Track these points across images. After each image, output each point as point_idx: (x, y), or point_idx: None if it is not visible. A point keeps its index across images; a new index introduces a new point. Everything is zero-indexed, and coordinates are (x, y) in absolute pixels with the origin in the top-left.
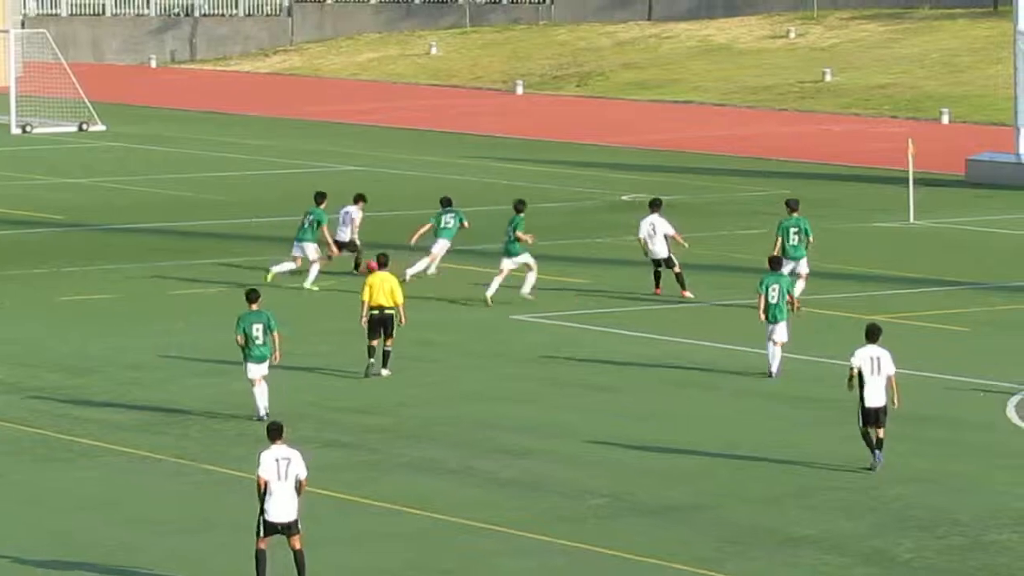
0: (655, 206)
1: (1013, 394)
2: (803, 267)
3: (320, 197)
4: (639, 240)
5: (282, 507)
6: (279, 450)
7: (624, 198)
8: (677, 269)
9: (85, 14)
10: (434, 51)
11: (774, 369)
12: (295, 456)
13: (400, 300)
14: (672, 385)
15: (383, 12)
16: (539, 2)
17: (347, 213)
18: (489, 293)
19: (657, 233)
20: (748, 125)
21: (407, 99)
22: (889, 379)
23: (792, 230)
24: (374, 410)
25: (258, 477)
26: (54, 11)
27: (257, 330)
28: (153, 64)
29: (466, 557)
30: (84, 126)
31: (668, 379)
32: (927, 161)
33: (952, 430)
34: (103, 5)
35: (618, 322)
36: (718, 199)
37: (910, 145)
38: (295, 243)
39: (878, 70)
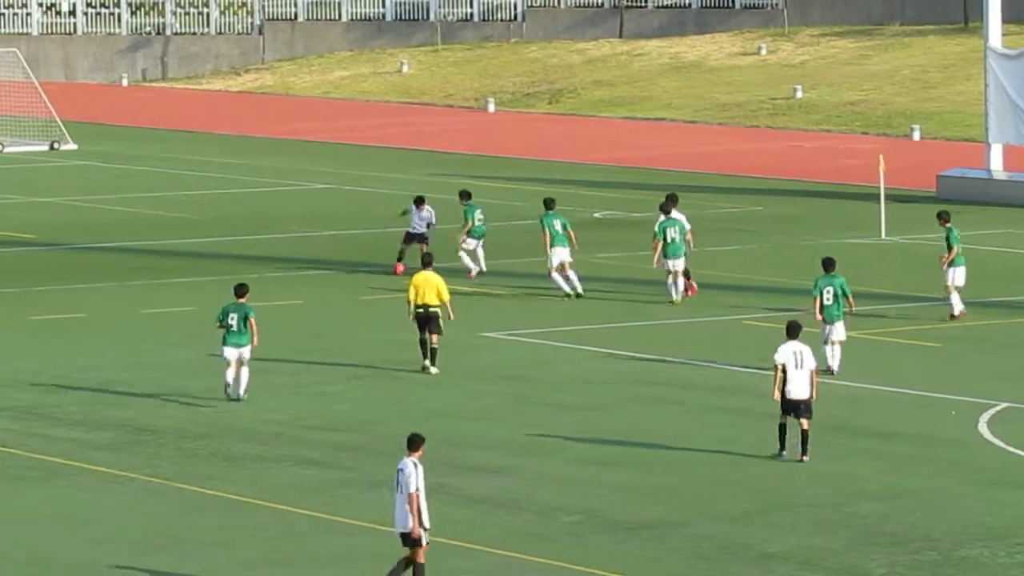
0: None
1: (985, 410)
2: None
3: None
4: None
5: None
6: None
7: (596, 215)
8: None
9: (56, 33)
10: (405, 69)
11: (835, 367)
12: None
13: (446, 297)
14: (644, 402)
15: (354, 30)
16: (510, 20)
17: (416, 212)
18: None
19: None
20: (719, 142)
21: (378, 117)
22: (811, 373)
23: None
24: (345, 428)
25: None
26: (25, 30)
27: (232, 319)
28: (124, 83)
29: (440, 575)
30: (55, 145)
31: (640, 396)
32: (898, 177)
33: (924, 446)
34: (74, 24)
35: (589, 339)
36: (689, 216)
37: (881, 161)
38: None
39: (849, 87)
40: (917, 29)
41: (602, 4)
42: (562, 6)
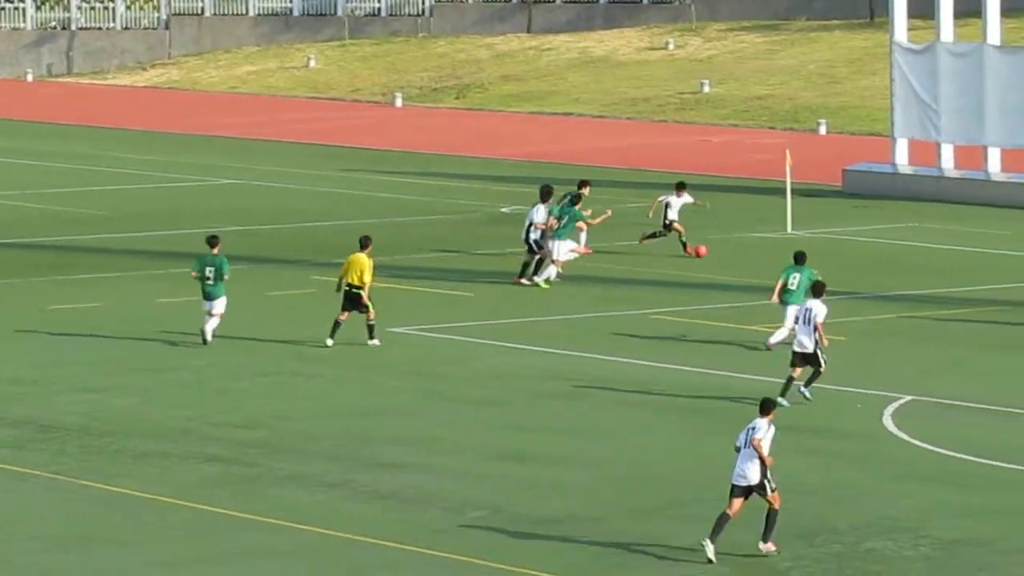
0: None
1: (890, 403)
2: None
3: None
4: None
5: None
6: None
7: (504, 210)
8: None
9: None
10: (313, 64)
11: (772, 342)
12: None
13: (367, 280)
14: (551, 397)
15: (261, 25)
16: (418, 15)
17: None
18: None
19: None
20: (627, 136)
21: (286, 112)
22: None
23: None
24: (252, 424)
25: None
26: None
27: (210, 272)
28: (30, 78)
29: (347, 572)
30: None
31: (548, 391)
32: (805, 172)
33: (830, 439)
34: None
35: (499, 334)
36: (598, 210)
37: (788, 156)
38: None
39: (756, 81)
40: (824, 24)
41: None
42: (470, 1)
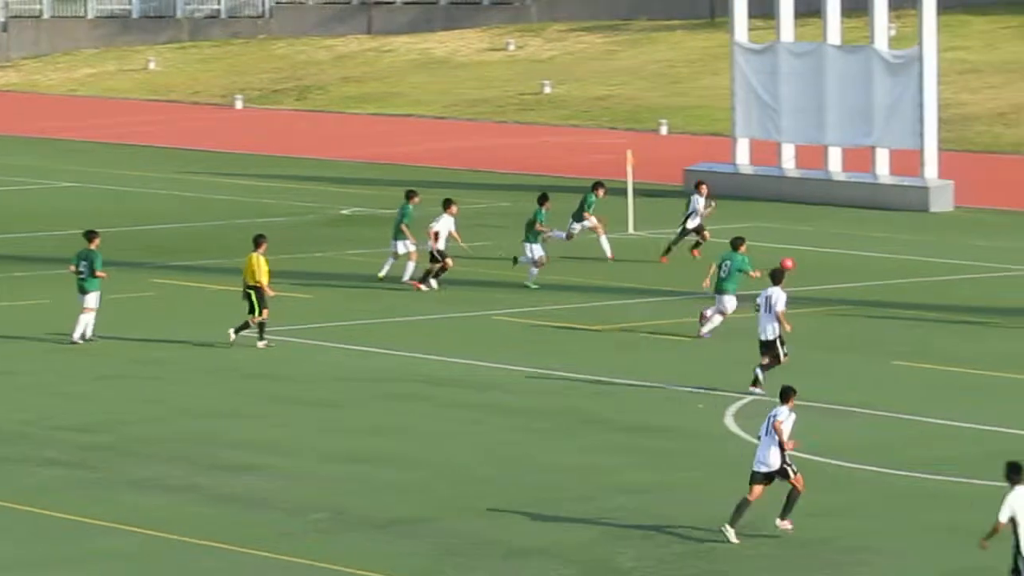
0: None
1: (732, 403)
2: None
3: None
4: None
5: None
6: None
7: (345, 212)
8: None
9: None
10: (152, 66)
11: (705, 332)
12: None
13: (260, 279)
14: (393, 399)
15: (100, 27)
16: (258, 16)
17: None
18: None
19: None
20: (468, 137)
21: (126, 115)
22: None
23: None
24: (94, 428)
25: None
26: None
27: (83, 266)
28: None
29: (187, 575)
30: None
31: (389, 393)
32: (646, 172)
33: (673, 439)
34: None
35: (340, 336)
36: (437, 213)
37: (629, 156)
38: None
39: (597, 82)
40: (664, 24)
41: (350, 1)
42: (310, 2)
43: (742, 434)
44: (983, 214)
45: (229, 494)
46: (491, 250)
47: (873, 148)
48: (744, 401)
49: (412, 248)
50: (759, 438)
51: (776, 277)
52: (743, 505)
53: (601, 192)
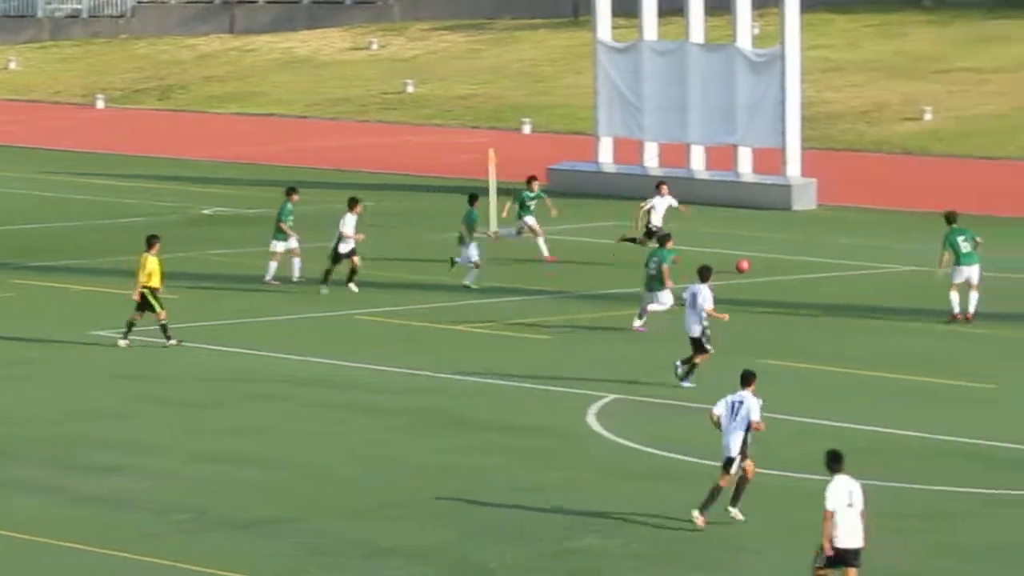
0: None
1: (594, 402)
2: (975, 275)
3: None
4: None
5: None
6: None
7: (206, 212)
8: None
9: None
10: (13, 66)
11: (637, 325)
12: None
13: (147, 282)
14: (257, 399)
15: None
16: (119, 16)
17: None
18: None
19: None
20: (331, 137)
21: None
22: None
23: (961, 239)
24: None
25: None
26: None
27: None
28: None
29: None
30: None
31: (253, 393)
32: (509, 171)
33: (537, 439)
34: None
35: (204, 337)
36: (308, 211)
37: (491, 155)
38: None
39: (460, 81)
40: (528, 23)
41: (212, 0)
42: (172, 2)
43: (605, 433)
44: (846, 212)
45: (95, 495)
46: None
47: (736, 147)
48: (606, 400)
49: (295, 245)
50: (719, 424)
51: (703, 275)
52: (715, 491)
53: (535, 185)
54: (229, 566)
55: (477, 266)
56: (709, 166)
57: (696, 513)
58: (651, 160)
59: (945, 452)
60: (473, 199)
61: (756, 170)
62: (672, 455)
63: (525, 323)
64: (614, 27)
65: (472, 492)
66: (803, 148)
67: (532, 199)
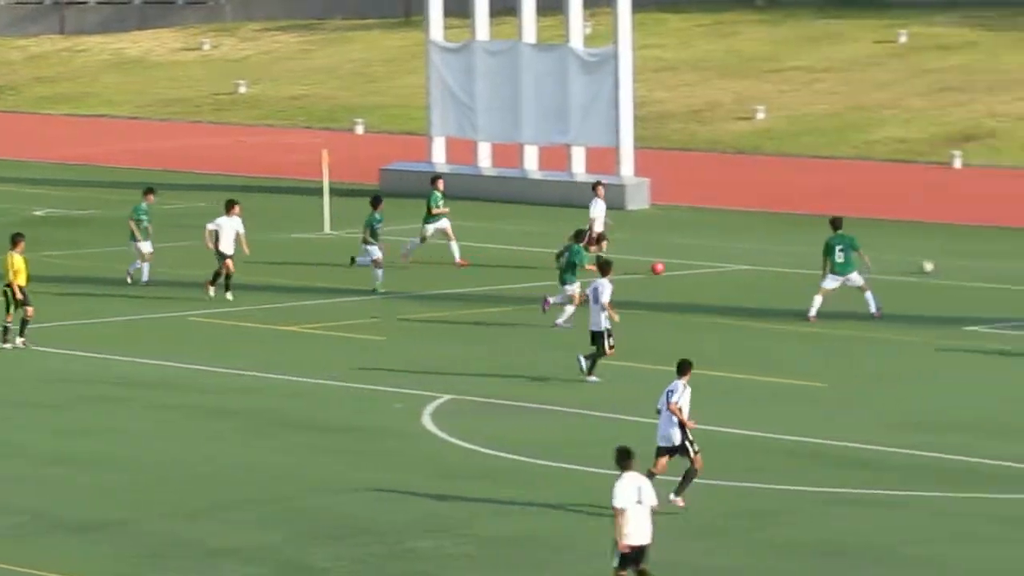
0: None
1: (429, 402)
2: (854, 280)
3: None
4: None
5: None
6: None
7: (38, 213)
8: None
9: None
10: None
11: (560, 321)
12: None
13: (13, 279)
14: (91, 401)
15: None
16: None
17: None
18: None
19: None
20: (163, 138)
21: None
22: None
23: (838, 247)
24: None
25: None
26: None
27: None
28: None
29: None
30: None
31: (87, 395)
32: (342, 171)
33: (371, 440)
34: None
35: (38, 338)
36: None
37: (324, 156)
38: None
39: (292, 81)
40: (360, 23)
41: (42, 0)
42: (2, 2)
43: (441, 434)
44: (678, 211)
45: None
46: (186, 251)
47: (569, 146)
48: (441, 400)
49: (149, 249)
50: (658, 411)
51: (603, 269)
52: (649, 478)
53: (441, 184)
54: (63, 568)
55: (378, 266)
56: (543, 166)
57: (673, 496)
58: (485, 160)
59: (773, 449)
60: (376, 202)
61: (589, 170)
62: (508, 455)
63: (360, 323)
64: (447, 27)
65: (305, 493)
66: (636, 148)
67: (438, 200)
